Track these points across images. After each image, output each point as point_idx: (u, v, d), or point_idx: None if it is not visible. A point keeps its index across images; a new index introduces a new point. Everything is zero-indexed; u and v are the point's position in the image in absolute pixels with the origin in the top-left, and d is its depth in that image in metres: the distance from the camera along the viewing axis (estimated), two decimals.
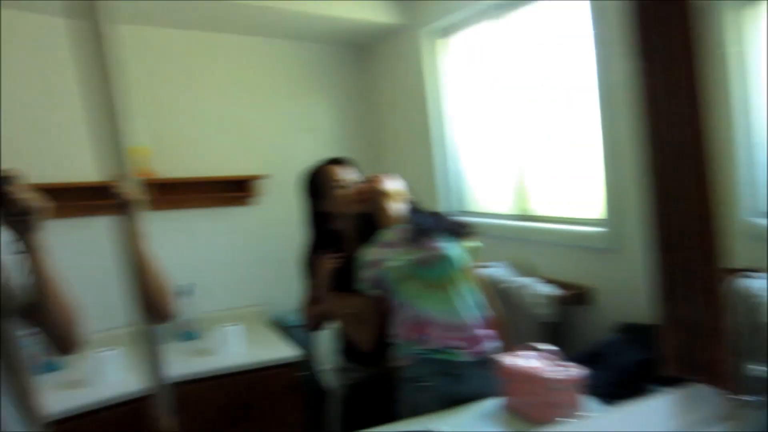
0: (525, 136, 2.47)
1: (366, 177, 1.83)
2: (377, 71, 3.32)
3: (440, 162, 2.93)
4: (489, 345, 1.66)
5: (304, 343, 2.58)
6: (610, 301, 2.02)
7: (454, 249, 1.65)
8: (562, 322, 2.08)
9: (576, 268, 2.16)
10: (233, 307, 2.92)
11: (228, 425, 2.32)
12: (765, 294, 1.31)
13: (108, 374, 2.17)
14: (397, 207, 1.74)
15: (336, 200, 1.82)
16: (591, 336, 2.00)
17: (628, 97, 1.35)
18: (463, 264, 1.66)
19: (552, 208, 2.36)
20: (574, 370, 1.42)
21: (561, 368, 1.43)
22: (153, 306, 1.21)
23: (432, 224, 1.70)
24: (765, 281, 1.32)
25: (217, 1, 2.56)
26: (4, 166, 1.07)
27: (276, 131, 3.11)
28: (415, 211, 1.77)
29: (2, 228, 1.07)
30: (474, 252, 1.73)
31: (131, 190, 1.11)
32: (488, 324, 1.69)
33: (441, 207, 2.86)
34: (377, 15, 2.90)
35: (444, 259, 1.62)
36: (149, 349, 1.10)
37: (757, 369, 1.26)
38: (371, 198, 1.74)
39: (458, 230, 1.71)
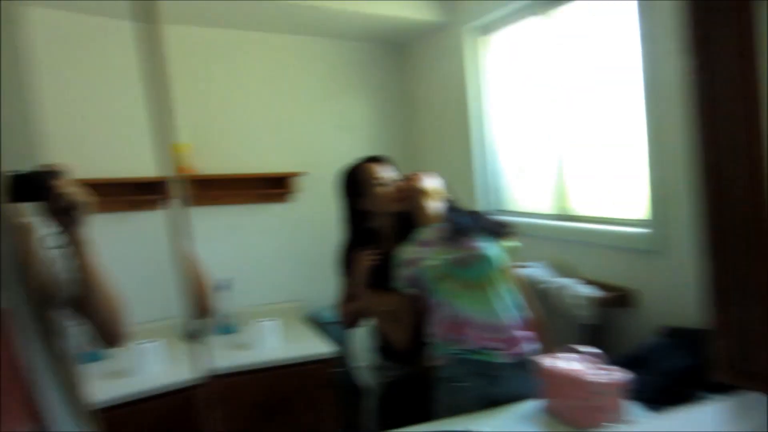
0: (566, 135, 2.42)
1: (404, 175, 1.82)
2: (416, 69, 3.30)
3: (479, 160, 2.90)
4: (527, 347, 1.63)
5: (339, 340, 2.59)
6: (654, 304, 1.97)
7: (492, 249, 1.63)
8: (603, 325, 2.04)
9: (618, 269, 2.11)
10: (270, 303, 2.96)
11: (264, 419, 2.35)
12: None
13: (149, 365, 2.22)
14: (435, 205, 1.73)
15: (375, 198, 1.82)
16: (634, 339, 1.94)
17: (677, 93, 1.31)
18: (501, 264, 1.63)
19: (593, 207, 2.31)
20: (617, 374, 1.38)
21: (604, 372, 1.39)
22: (198, 301, 1.23)
23: (470, 223, 1.68)
24: None
25: (257, 1, 2.58)
26: (52, 161, 1.10)
27: (314, 129, 3.13)
28: (453, 209, 1.76)
29: (48, 221, 1.10)
30: (512, 252, 1.70)
31: (178, 188, 1.12)
32: (527, 325, 1.66)
33: (479, 206, 2.83)
34: (418, 13, 2.89)
35: (482, 259, 1.60)
36: (193, 343, 1.12)
37: None
38: (410, 196, 1.73)
39: (497, 230, 1.69)
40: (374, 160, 1.89)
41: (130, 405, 2.02)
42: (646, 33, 1.90)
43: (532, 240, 2.39)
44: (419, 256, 1.65)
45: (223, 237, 2.87)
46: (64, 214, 1.05)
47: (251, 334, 2.52)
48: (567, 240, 2.35)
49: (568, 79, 2.37)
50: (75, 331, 1.21)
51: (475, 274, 1.61)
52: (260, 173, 2.94)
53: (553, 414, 1.46)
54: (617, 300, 2.04)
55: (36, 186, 1.03)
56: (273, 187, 2.98)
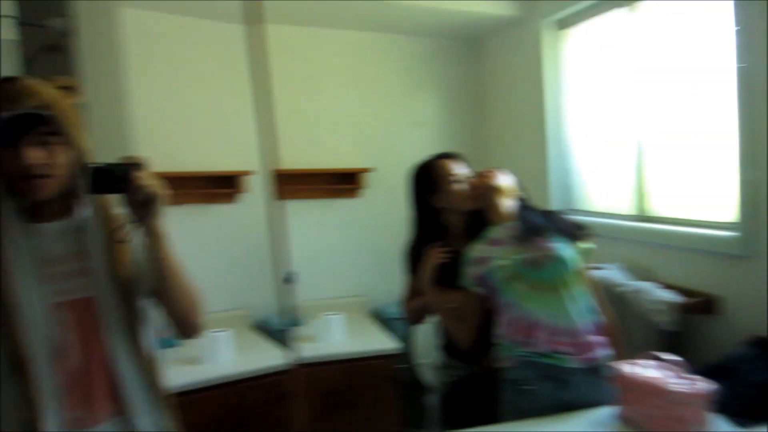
0: (647, 132, 2.30)
1: (478, 172, 1.78)
2: (490, 64, 3.25)
3: (554, 158, 2.81)
4: (600, 352, 1.56)
5: (404, 337, 2.58)
6: (742, 312, 1.84)
7: (567, 250, 1.57)
8: (684, 332, 1.93)
9: (701, 274, 1.99)
10: (336, 297, 2.99)
11: (327, 411, 2.38)
12: None
13: (219, 354, 2.29)
14: (507, 204, 1.69)
15: (450, 196, 1.78)
16: (717, 348, 1.83)
17: None
18: (576, 266, 1.57)
19: (675, 209, 2.19)
20: (701, 384, 1.29)
21: (686, 381, 1.31)
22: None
23: (544, 223, 1.63)
24: None
25: (331, 0, 2.62)
26: (134, 154, 1.14)
27: (384, 125, 3.14)
28: (526, 208, 1.71)
29: (127, 213, 1.13)
30: (586, 254, 1.64)
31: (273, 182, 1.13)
32: (599, 330, 1.59)
33: (552, 205, 2.75)
34: (494, 7, 2.84)
35: (556, 261, 1.54)
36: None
37: None
38: (483, 193, 1.70)
39: (573, 231, 1.63)
40: (447, 156, 1.86)
41: (200, 391, 2.10)
42: (742, 26, 1.78)
43: (607, 241, 2.29)
44: (489, 255, 1.61)
45: (293, 231, 2.93)
46: (142, 206, 1.07)
47: (317, 327, 2.56)
48: (645, 242, 2.25)
49: (651, 74, 2.25)
50: (154, 319, 1.25)
51: (547, 275, 1.55)
52: (331, 168, 2.98)
53: (627, 422, 1.39)
54: (700, 306, 1.93)
55: (115, 178, 1.06)
56: (344, 183, 3.01)
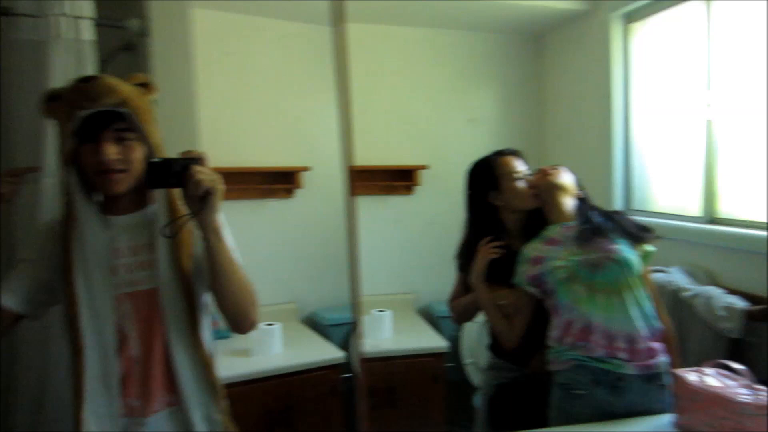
0: (718, 130, 2.18)
1: (540, 169, 1.72)
2: (552, 60, 3.16)
3: (617, 156, 2.71)
4: (658, 359, 1.49)
5: (452, 335, 2.56)
6: None
7: (629, 253, 1.50)
8: (752, 340, 1.81)
9: None
10: (385, 293, 2.98)
11: (372, 409, 2.37)
12: None
13: (270, 347, 2.32)
14: (568, 202, 1.63)
15: (511, 193, 1.74)
16: None
17: None
18: (638, 270, 1.50)
19: (745, 210, 2.07)
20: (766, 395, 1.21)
21: (752, 391, 1.23)
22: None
23: (607, 224, 1.57)
24: None
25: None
26: (202, 149, 1.17)
27: (440, 122, 3.10)
28: (587, 207, 1.65)
29: (184, 207, 1.16)
30: (648, 257, 1.56)
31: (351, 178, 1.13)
32: (658, 336, 1.52)
33: (614, 204, 2.66)
34: (560, 2, 2.75)
35: (619, 263, 1.48)
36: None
37: None
38: (544, 191, 1.65)
39: (636, 232, 1.56)
40: (508, 153, 1.81)
41: (249, 383, 2.12)
42: None
43: (670, 243, 2.18)
44: (546, 254, 1.57)
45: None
46: (199, 201, 1.09)
47: (365, 323, 2.56)
48: (710, 244, 2.13)
49: (724, 71, 2.14)
50: (210, 311, 1.27)
51: (607, 278, 1.49)
52: (386, 165, 2.96)
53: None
54: (767, 313, 1.80)
55: (173, 173, 1.08)
56: (398, 180, 2.99)
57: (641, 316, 1.49)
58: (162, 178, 1.09)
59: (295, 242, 2.81)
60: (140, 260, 1.18)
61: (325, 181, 2.81)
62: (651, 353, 1.48)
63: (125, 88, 1.15)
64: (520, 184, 1.73)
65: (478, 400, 2.01)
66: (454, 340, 2.68)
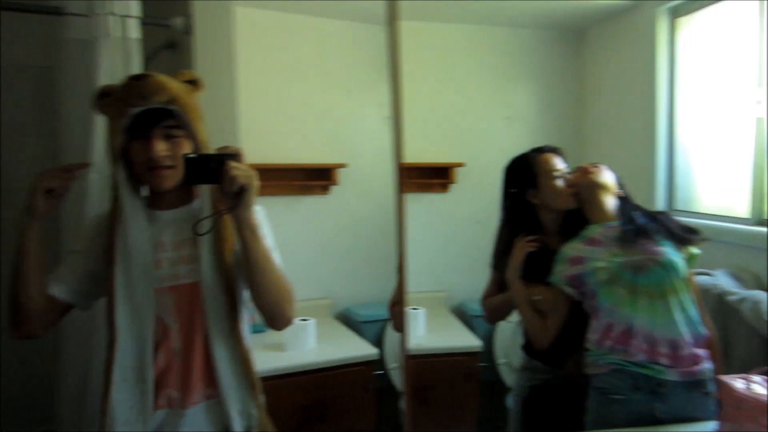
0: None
1: (580, 167, 1.69)
2: (592, 56, 3.09)
3: (661, 154, 2.64)
4: (702, 365, 1.44)
5: (485, 334, 2.54)
6: None
7: (675, 255, 1.46)
8: None
9: None
10: (418, 291, 2.97)
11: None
12: None
13: (304, 342, 2.34)
14: (610, 201, 1.59)
15: (550, 192, 1.70)
16: None
17: None
18: (683, 273, 1.46)
19: None
20: None
21: None
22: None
23: (650, 225, 1.53)
24: None
25: None
26: (241, 146, 1.18)
27: (477, 119, 3.06)
28: (630, 207, 1.61)
29: (221, 203, 1.16)
30: (693, 260, 1.52)
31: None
32: (703, 342, 1.47)
33: (654, 204, 2.59)
34: None
35: (664, 266, 1.44)
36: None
37: None
38: (585, 189, 1.61)
39: (682, 234, 1.51)
40: (548, 150, 1.77)
41: (283, 378, 2.14)
42: None
43: (715, 245, 2.11)
44: (586, 255, 1.53)
45: (386, 224, 2.94)
46: (235, 197, 1.09)
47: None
48: (758, 247, 2.05)
49: None
50: (249, 306, 1.27)
51: (651, 281, 1.45)
52: (422, 163, 2.94)
53: None
54: None
55: (210, 168, 1.09)
56: (434, 177, 2.97)
57: (685, 321, 1.45)
58: (198, 174, 1.10)
59: (330, 239, 2.83)
60: (183, 254, 1.19)
61: (361, 178, 2.82)
62: (695, 359, 1.44)
63: (175, 86, 1.17)
64: (559, 183, 1.69)
65: (510, 401, 1.99)
66: (488, 340, 2.65)
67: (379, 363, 2.34)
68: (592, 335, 1.52)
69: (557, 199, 1.69)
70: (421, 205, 3.02)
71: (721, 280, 2.02)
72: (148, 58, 2.08)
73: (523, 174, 1.75)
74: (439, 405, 2.41)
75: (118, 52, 1.86)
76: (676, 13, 2.56)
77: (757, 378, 1.31)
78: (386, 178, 2.87)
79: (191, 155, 1.11)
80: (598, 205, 1.59)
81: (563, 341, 1.63)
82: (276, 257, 1.23)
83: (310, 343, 2.34)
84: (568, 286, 1.56)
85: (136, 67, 1.89)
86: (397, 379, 2.47)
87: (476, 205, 2.86)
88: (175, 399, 1.18)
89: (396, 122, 1.10)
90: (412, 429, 1.34)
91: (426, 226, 3.02)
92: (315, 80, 2.79)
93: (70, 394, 1.86)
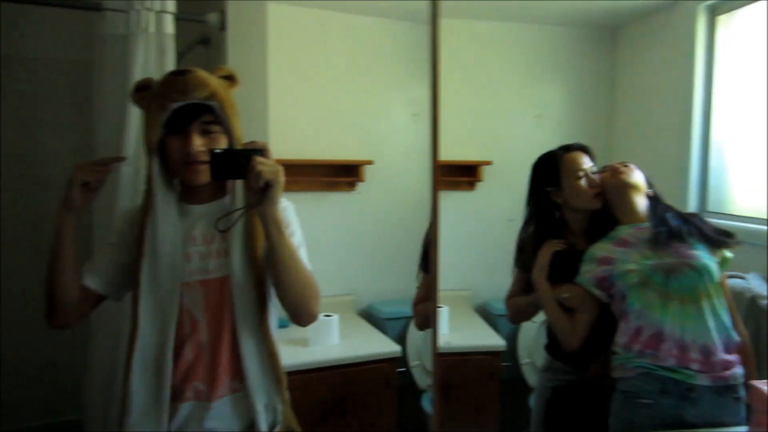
0: None
1: (611, 166, 1.65)
2: (626, 54, 3.03)
3: (695, 154, 2.58)
4: (734, 370, 1.41)
5: (508, 334, 2.52)
6: None
7: (709, 259, 1.43)
8: None
9: None
10: (442, 289, 2.95)
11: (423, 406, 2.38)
12: None
13: (327, 338, 2.35)
14: (641, 202, 1.56)
15: (574, 191, 1.66)
16: None
17: None
18: (717, 278, 1.43)
19: None
20: None
21: None
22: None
23: (683, 227, 1.49)
24: None
25: None
26: (257, 140, 1.19)
27: (506, 117, 3.04)
28: (661, 208, 1.57)
29: (246, 197, 1.17)
30: (726, 263, 1.48)
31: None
32: (735, 348, 1.44)
33: (686, 205, 2.53)
34: None
35: (698, 271, 1.41)
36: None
37: None
38: (616, 189, 1.58)
39: (716, 237, 1.48)
40: (576, 148, 1.72)
41: (305, 373, 2.16)
42: None
43: (749, 248, 2.06)
44: (616, 256, 1.51)
45: (411, 222, 2.94)
46: (260, 192, 1.09)
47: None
48: None
49: None
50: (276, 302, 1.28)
51: (684, 285, 1.43)
52: (447, 161, 2.93)
53: None
54: None
55: (236, 164, 1.09)
56: (459, 175, 2.96)
57: (717, 326, 1.42)
58: (225, 169, 1.10)
59: (355, 235, 2.84)
60: (214, 249, 1.20)
61: (387, 175, 2.82)
62: (726, 365, 1.41)
63: (214, 82, 1.18)
64: (583, 183, 1.65)
65: (532, 401, 1.97)
66: (512, 339, 2.63)
67: (401, 360, 2.34)
68: (620, 338, 1.49)
69: (579, 199, 1.66)
70: (447, 202, 2.98)
71: (754, 284, 1.97)
72: (181, 54, 2.11)
73: (547, 172, 1.72)
74: (461, 404, 2.40)
75: (153, 48, 1.89)
76: (715, 11, 2.50)
77: None
78: (413, 175, 2.89)
79: (218, 150, 1.11)
80: (629, 206, 1.56)
81: (587, 343, 1.60)
82: (303, 254, 1.24)
83: (333, 339, 2.36)
84: (596, 287, 1.54)
85: (170, 63, 1.92)
86: (419, 376, 2.47)
87: (503, 204, 2.83)
88: (202, 391, 1.19)
89: (433, 121, 1.10)
90: (439, 428, 1.33)
91: (452, 224, 2.99)
92: (344, 77, 2.80)
93: (98, 383, 1.90)
